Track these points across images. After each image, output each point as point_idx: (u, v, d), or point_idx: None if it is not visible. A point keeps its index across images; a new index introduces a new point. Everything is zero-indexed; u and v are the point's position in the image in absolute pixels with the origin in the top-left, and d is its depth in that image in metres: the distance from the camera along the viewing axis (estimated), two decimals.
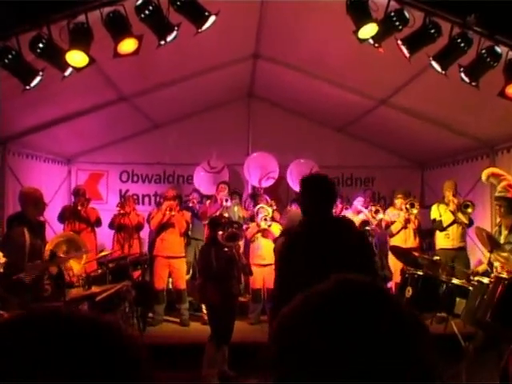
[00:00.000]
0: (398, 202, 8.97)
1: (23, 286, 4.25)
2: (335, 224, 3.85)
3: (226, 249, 6.05)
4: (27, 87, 5.33)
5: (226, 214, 8.21)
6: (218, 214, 8.25)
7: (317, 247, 3.54)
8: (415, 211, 8.62)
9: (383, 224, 9.03)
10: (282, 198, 10.64)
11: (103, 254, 7.42)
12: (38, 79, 5.33)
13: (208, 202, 9.28)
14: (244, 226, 8.26)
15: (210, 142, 10.33)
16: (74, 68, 5.25)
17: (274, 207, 8.75)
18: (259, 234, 8.28)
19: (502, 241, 5.25)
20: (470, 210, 8.07)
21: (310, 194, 3.77)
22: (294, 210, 7.97)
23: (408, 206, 8.65)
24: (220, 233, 6.02)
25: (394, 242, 8.72)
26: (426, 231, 9.18)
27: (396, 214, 8.94)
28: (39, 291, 5.00)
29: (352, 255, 3.47)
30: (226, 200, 8.81)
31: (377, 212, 8.91)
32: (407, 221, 8.67)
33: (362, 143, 10.91)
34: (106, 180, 10.77)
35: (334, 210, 4.98)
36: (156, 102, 9.00)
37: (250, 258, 8.37)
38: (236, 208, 9.10)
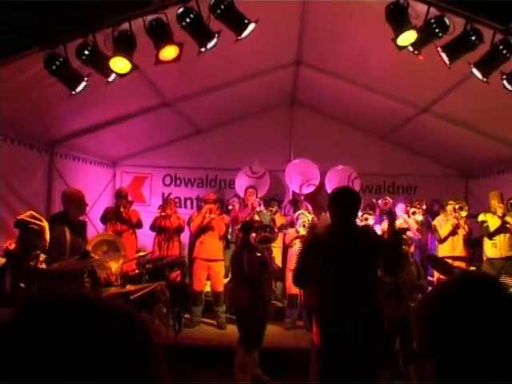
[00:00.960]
0: (449, 207, 8.73)
1: (60, 280, 4.40)
2: (356, 232, 4.33)
3: (258, 253, 6.09)
4: (73, 92, 5.55)
5: (257, 217, 8.26)
6: (249, 218, 8.32)
7: (335, 250, 4.08)
8: (464, 213, 8.42)
9: (433, 228, 8.87)
10: (323, 205, 10.58)
11: (140, 254, 7.59)
12: (83, 84, 5.55)
13: (238, 206, 9.29)
14: (281, 235, 8.28)
15: (252, 148, 10.43)
16: (118, 74, 5.43)
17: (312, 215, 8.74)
18: (297, 240, 8.28)
19: None
20: None
21: (335, 204, 4.29)
22: (326, 215, 7.99)
23: (457, 206, 8.46)
24: (253, 235, 6.07)
25: (442, 249, 8.58)
26: (473, 240, 8.97)
27: (450, 219, 8.71)
28: (79, 288, 5.16)
29: (366, 260, 4.09)
30: (260, 205, 8.86)
31: (414, 214, 8.75)
32: (457, 226, 8.49)
33: (404, 151, 10.79)
34: (150, 183, 11.01)
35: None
36: (199, 107, 9.16)
37: (287, 263, 8.41)
38: (265, 211, 9.10)
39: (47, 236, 4.28)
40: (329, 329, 4.08)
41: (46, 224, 4.34)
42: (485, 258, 8.26)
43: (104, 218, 8.92)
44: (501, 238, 8.01)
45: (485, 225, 8.12)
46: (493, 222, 8.05)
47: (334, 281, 4.06)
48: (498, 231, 8.01)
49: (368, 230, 4.84)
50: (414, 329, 1.13)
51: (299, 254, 4.43)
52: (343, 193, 4.44)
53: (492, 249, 8.07)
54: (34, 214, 4.35)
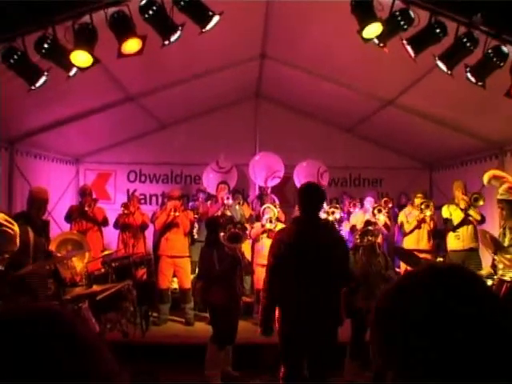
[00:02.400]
0: (418, 201, 8.82)
1: (27, 284, 4.28)
2: (318, 225, 4.72)
3: (228, 250, 6.02)
4: (32, 87, 5.36)
5: (228, 213, 8.20)
6: (219, 213, 8.28)
7: (301, 242, 4.44)
8: (428, 213, 8.53)
9: (398, 222, 8.97)
10: (289, 199, 10.63)
11: (106, 253, 7.44)
12: (43, 79, 5.35)
13: (209, 202, 9.25)
14: (248, 226, 8.25)
15: (217, 142, 10.35)
16: (79, 68, 5.27)
17: (279, 208, 8.75)
18: (264, 235, 8.25)
19: (506, 243, 5.18)
20: (481, 203, 7.90)
21: (303, 199, 4.64)
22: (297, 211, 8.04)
23: (423, 206, 8.56)
24: (222, 234, 5.99)
25: (407, 242, 8.71)
26: (437, 232, 9.09)
27: (413, 214, 8.83)
28: (44, 290, 5.03)
29: (328, 251, 4.43)
30: (228, 198, 8.79)
31: (379, 211, 8.83)
32: (421, 221, 8.61)
33: (370, 144, 10.88)
34: (114, 180, 10.83)
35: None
36: (163, 102, 9.03)
37: (254, 257, 8.38)
38: (237, 207, 9.08)
39: (18, 241, 4.13)
40: (289, 315, 4.48)
41: (17, 228, 4.18)
42: (448, 250, 8.38)
43: (68, 217, 8.70)
44: (464, 231, 8.12)
45: (449, 218, 8.24)
46: (456, 215, 8.15)
47: (296, 271, 4.41)
48: (462, 224, 8.12)
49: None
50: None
51: (273, 253, 4.64)
52: (309, 189, 4.80)
53: (455, 241, 8.18)
54: (7, 217, 4.17)
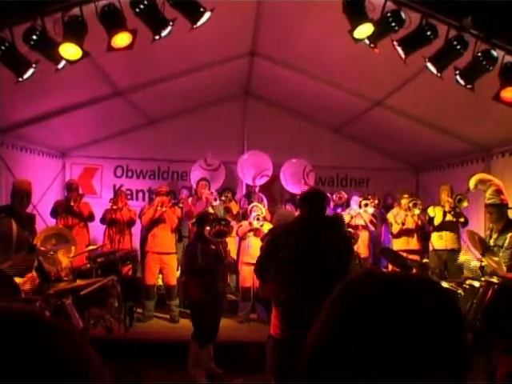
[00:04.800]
0: (404, 201, 8.86)
1: (7, 278, 4.21)
2: (325, 222, 4.71)
3: (212, 246, 6.02)
4: (20, 79, 5.29)
5: (212, 210, 8.19)
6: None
7: (307, 239, 4.39)
8: (417, 211, 8.58)
9: (388, 223, 9.00)
10: (276, 197, 10.64)
11: (90, 248, 7.39)
12: (31, 71, 5.28)
13: (190, 199, 9.20)
14: (235, 224, 8.24)
15: (205, 140, 10.30)
16: (67, 61, 5.21)
17: (266, 207, 8.76)
18: (251, 233, 8.25)
19: (491, 243, 5.22)
20: (465, 204, 7.97)
21: (307, 206, 4.67)
22: (283, 209, 8.05)
23: (411, 204, 8.61)
24: (207, 228, 5.99)
25: (397, 243, 8.76)
26: (424, 234, 9.14)
27: (400, 214, 8.87)
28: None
29: (335, 250, 4.39)
30: (215, 199, 8.77)
31: (366, 205, 8.87)
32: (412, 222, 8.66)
33: (357, 144, 10.91)
34: (101, 174, 10.74)
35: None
36: (151, 97, 8.97)
37: (240, 255, 8.38)
38: (221, 205, 9.05)
39: None
40: (293, 319, 4.30)
41: None
42: (431, 249, 8.47)
43: (54, 212, 8.61)
44: (446, 231, 8.19)
45: (431, 216, 8.34)
46: (439, 216, 8.22)
47: (301, 271, 4.33)
48: (443, 224, 8.18)
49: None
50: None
51: (266, 244, 4.69)
52: (317, 195, 4.84)
53: (438, 240, 8.28)
54: None
